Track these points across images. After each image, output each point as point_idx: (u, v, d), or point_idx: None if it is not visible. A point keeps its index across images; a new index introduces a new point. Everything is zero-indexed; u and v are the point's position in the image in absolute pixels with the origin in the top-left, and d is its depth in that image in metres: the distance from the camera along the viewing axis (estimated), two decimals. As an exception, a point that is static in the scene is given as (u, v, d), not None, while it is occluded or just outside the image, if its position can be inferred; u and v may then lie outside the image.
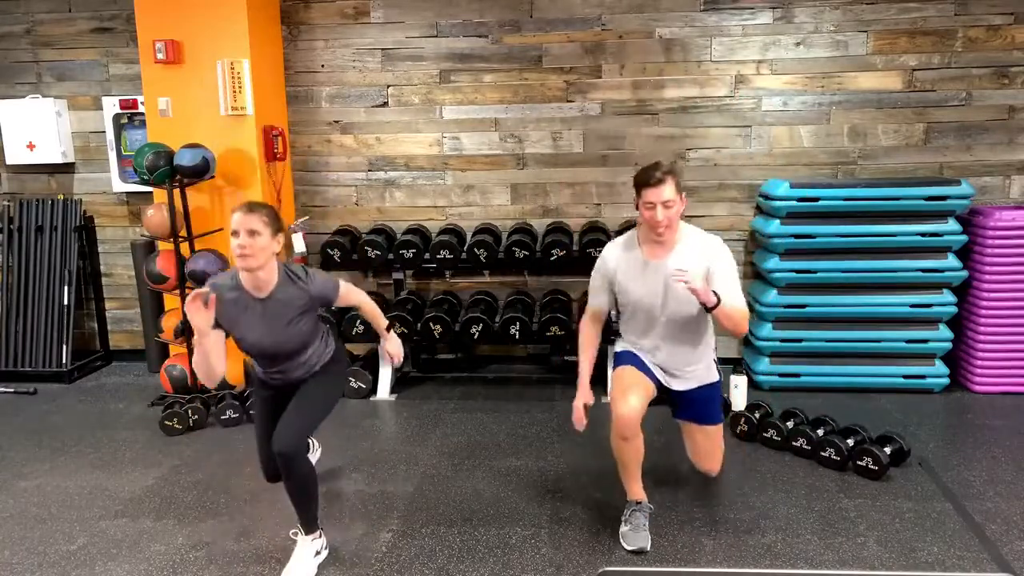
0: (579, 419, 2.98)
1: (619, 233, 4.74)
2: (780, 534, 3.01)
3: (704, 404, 3.09)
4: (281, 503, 3.33)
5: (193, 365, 2.93)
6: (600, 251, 4.44)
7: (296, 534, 2.88)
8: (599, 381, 4.77)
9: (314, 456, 3.44)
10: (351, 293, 2.97)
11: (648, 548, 2.91)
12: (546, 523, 3.15)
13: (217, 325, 2.68)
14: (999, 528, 3.02)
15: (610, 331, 3.83)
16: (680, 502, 3.27)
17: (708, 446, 3.14)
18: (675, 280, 2.70)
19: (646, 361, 3.04)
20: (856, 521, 3.10)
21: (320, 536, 2.89)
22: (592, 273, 3.09)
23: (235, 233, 2.61)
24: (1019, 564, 2.78)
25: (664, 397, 3.09)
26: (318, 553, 2.86)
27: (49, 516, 3.30)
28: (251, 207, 2.67)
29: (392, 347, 3.13)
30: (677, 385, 3.06)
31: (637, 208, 2.87)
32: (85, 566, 2.91)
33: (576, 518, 3.17)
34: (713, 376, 3.09)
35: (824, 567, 2.79)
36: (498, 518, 3.20)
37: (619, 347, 3.16)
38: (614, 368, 3.10)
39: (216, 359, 2.66)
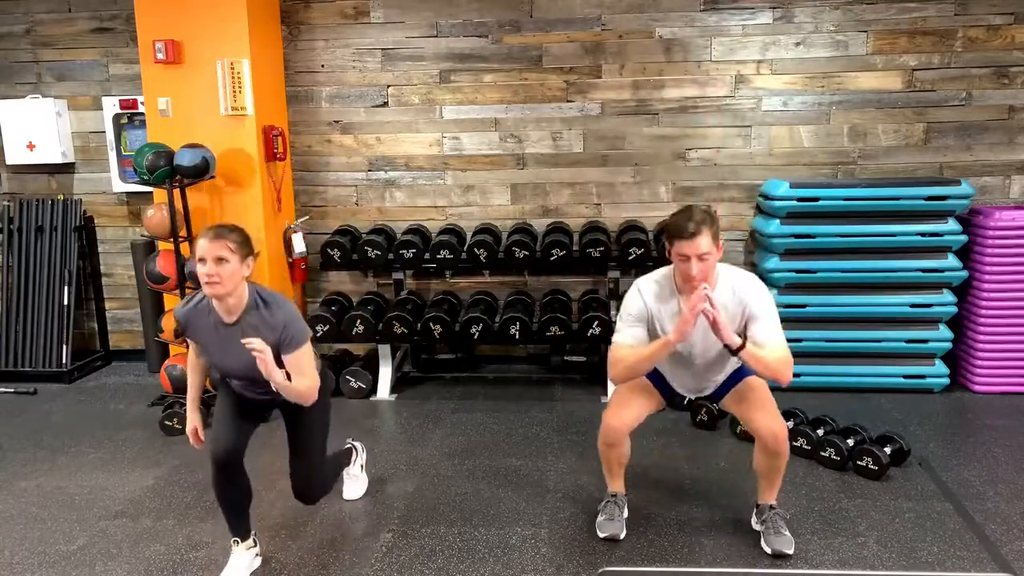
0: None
1: (620, 233, 4.78)
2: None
3: (735, 374, 2.95)
4: (281, 503, 3.34)
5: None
6: (599, 251, 4.50)
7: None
8: (598, 382, 4.79)
9: (359, 461, 3.44)
10: (304, 357, 2.66)
11: (621, 536, 2.97)
12: (546, 523, 3.15)
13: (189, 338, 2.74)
14: (999, 528, 3.02)
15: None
16: (680, 502, 3.27)
17: (756, 400, 2.85)
18: (701, 307, 2.55)
19: (665, 375, 2.97)
20: (856, 521, 3.09)
21: (356, 460, 3.38)
22: (622, 310, 2.85)
23: (201, 260, 2.49)
24: (1019, 564, 2.78)
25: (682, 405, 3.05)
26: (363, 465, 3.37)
27: (49, 516, 3.30)
28: (218, 232, 2.54)
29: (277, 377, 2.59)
30: (704, 394, 3.01)
31: (668, 255, 2.72)
32: (85, 566, 2.91)
33: (576, 518, 3.17)
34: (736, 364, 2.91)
35: (824, 567, 2.78)
36: (498, 518, 3.20)
37: None
38: None
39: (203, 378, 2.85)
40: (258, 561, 2.89)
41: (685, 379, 2.97)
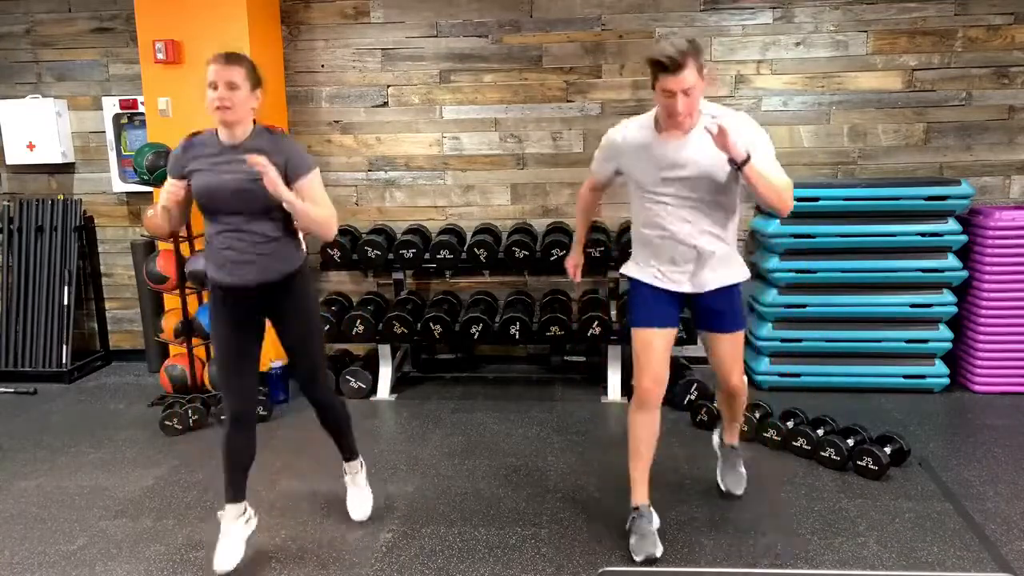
0: (573, 272, 3.17)
1: (620, 234, 4.78)
2: (780, 534, 3.00)
3: (729, 312, 2.86)
4: (280, 504, 3.34)
5: (150, 217, 2.70)
6: (600, 251, 4.50)
7: (352, 474, 3.15)
8: (598, 382, 4.79)
9: (362, 471, 3.26)
10: (316, 183, 2.62)
11: (659, 554, 2.80)
12: (546, 523, 3.15)
13: (182, 175, 2.63)
14: (999, 528, 3.02)
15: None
16: (680, 502, 3.27)
17: (733, 353, 2.93)
18: (706, 127, 2.44)
19: (661, 285, 2.81)
20: (856, 521, 3.09)
21: (359, 458, 3.19)
22: (603, 138, 2.90)
23: (212, 85, 2.48)
24: (1019, 564, 2.78)
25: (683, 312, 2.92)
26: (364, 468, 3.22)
27: (49, 516, 3.30)
28: (229, 58, 2.52)
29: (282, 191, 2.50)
30: (701, 284, 2.78)
31: (653, 88, 2.55)
32: (85, 566, 2.91)
33: (576, 518, 3.17)
34: (738, 274, 2.84)
35: (824, 567, 2.78)
36: (498, 518, 3.20)
37: (631, 272, 2.90)
38: (629, 313, 2.93)
39: (178, 213, 2.68)
40: (253, 524, 2.93)
41: (674, 245, 2.74)
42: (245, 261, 2.64)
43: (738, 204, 2.80)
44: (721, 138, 2.44)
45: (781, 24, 4.72)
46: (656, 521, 2.90)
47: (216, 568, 2.79)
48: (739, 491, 3.25)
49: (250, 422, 2.80)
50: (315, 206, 2.60)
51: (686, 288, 2.82)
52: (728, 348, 2.93)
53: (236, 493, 2.85)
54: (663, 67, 2.45)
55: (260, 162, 2.43)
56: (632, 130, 2.77)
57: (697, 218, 2.72)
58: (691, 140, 2.63)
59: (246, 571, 2.85)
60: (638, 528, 2.86)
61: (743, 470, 3.28)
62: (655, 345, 2.82)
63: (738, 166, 2.52)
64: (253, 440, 2.82)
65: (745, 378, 3.10)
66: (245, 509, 2.89)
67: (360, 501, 3.20)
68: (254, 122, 2.66)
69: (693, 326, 2.99)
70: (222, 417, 4.19)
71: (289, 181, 2.56)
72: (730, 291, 2.85)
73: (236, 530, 2.84)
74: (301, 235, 2.79)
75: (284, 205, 2.50)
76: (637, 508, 2.90)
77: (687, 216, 2.72)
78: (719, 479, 3.30)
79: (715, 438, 3.38)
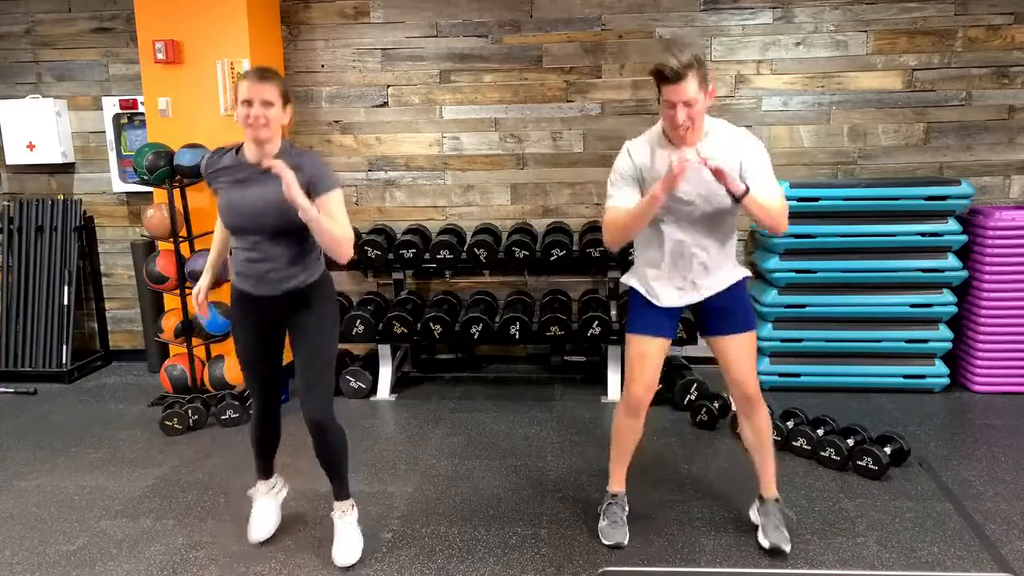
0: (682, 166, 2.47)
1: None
2: (780, 534, 3.00)
3: (735, 311, 2.81)
4: (281, 504, 3.33)
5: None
6: (599, 251, 4.50)
7: (342, 514, 2.93)
8: (598, 382, 4.79)
9: (353, 511, 3.01)
10: (337, 202, 2.60)
11: (625, 543, 2.92)
12: (546, 523, 3.15)
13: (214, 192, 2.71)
14: (999, 528, 3.02)
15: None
16: (680, 502, 3.28)
17: (746, 357, 2.80)
18: (700, 163, 2.41)
19: (661, 296, 2.79)
20: (856, 521, 3.10)
21: (351, 499, 2.97)
22: (612, 173, 2.74)
23: (247, 103, 2.49)
24: (1019, 564, 2.78)
25: (687, 323, 2.87)
26: (356, 518, 2.97)
27: (49, 516, 3.30)
28: (263, 75, 2.53)
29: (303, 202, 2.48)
30: (704, 292, 2.78)
31: (658, 101, 2.56)
32: (85, 566, 2.91)
33: (576, 518, 3.17)
34: (739, 273, 2.83)
35: (824, 567, 2.78)
36: (498, 518, 3.20)
37: (632, 283, 2.88)
38: (627, 318, 2.90)
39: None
40: (284, 492, 3.16)
41: (677, 260, 2.74)
42: (270, 276, 2.69)
43: (737, 213, 2.79)
44: (718, 176, 2.47)
45: (781, 24, 4.72)
46: (626, 511, 3.04)
47: (251, 537, 3.02)
48: (787, 547, 2.84)
49: (275, 413, 2.97)
50: (333, 223, 2.58)
51: (687, 301, 2.81)
52: (739, 351, 2.80)
53: (266, 472, 3.07)
54: (664, 77, 2.45)
55: (278, 165, 2.43)
56: (637, 148, 2.73)
57: (698, 229, 2.73)
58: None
59: (246, 571, 2.85)
60: (611, 514, 2.98)
61: (786, 532, 2.88)
62: (650, 353, 2.84)
63: (737, 199, 2.56)
64: (278, 428, 3.01)
65: (759, 388, 2.87)
66: (275, 483, 3.10)
67: (347, 546, 2.87)
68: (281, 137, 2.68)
69: (700, 335, 2.87)
70: (222, 417, 4.22)
71: (311, 196, 2.55)
72: (735, 289, 2.82)
73: (268, 501, 3.07)
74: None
75: (300, 214, 2.48)
76: (615, 495, 3.02)
77: (689, 227, 2.72)
78: (760, 537, 2.89)
79: (752, 512, 3.05)
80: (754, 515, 3.04)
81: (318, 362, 2.76)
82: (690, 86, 2.44)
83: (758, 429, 2.90)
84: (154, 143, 4.44)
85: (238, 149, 2.67)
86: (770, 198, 2.60)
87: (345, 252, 2.61)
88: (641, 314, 2.85)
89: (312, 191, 2.55)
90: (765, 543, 2.85)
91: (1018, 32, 4.61)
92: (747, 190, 2.52)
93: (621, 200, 2.69)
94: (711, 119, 2.66)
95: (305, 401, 2.75)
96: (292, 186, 2.44)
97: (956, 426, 4.08)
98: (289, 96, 2.63)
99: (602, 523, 2.99)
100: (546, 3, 4.83)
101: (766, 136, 4.82)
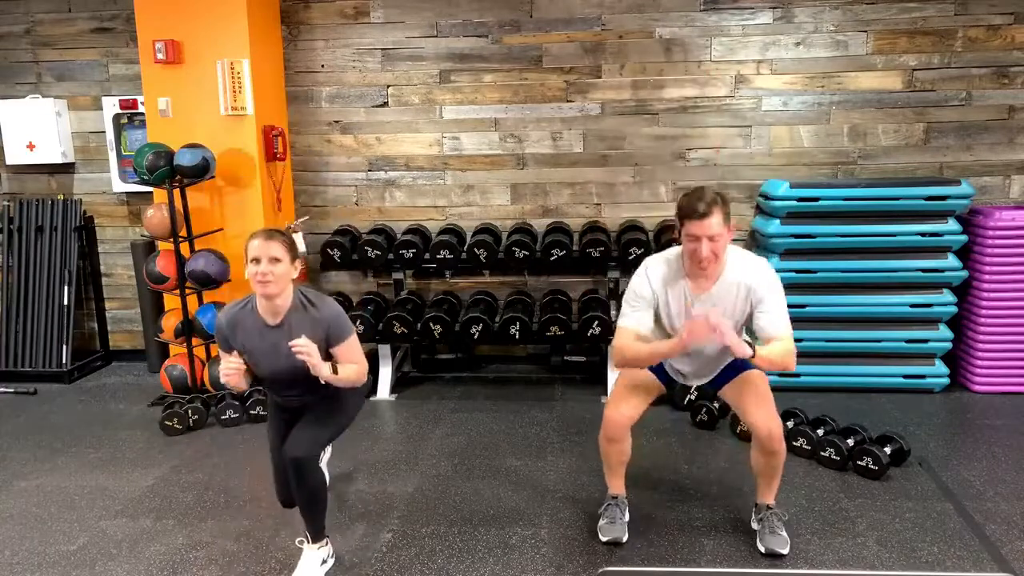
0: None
1: (620, 234, 4.78)
2: (780, 534, 3.00)
3: (733, 364, 2.88)
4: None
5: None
6: (599, 251, 4.50)
7: (302, 542, 2.84)
8: (599, 382, 4.79)
9: (323, 459, 3.37)
10: (354, 348, 2.76)
11: (624, 540, 2.95)
12: (546, 523, 3.15)
13: (232, 348, 2.74)
14: (999, 528, 3.02)
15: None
16: (680, 502, 3.28)
17: (762, 391, 2.82)
18: (712, 325, 2.50)
19: (668, 360, 2.92)
20: (856, 521, 3.09)
21: (327, 544, 2.85)
22: (629, 291, 2.84)
23: (256, 260, 2.58)
24: (1019, 564, 2.78)
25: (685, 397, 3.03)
26: (324, 562, 2.83)
27: (49, 516, 3.30)
28: (270, 234, 2.65)
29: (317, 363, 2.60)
30: (705, 380, 2.97)
31: (678, 236, 2.71)
32: (85, 566, 2.91)
33: (576, 518, 3.17)
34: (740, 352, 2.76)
35: (824, 567, 2.79)
36: (498, 518, 3.20)
37: None
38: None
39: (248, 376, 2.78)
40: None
41: (688, 366, 2.94)
42: (303, 400, 2.84)
43: None
44: (728, 347, 2.56)
45: (781, 24, 4.72)
46: (627, 515, 3.05)
47: None
48: (784, 550, 2.85)
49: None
50: (350, 366, 2.73)
51: (681, 381, 3.02)
52: (751, 391, 2.83)
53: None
54: (690, 213, 2.60)
55: (305, 351, 2.53)
56: (656, 272, 2.82)
57: (705, 352, 2.86)
58: (713, 298, 2.74)
59: (246, 571, 2.85)
60: (610, 513, 3.01)
61: (784, 534, 2.90)
62: (645, 387, 2.93)
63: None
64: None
65: (781, 430, 2.80)
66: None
67: None
68: (293, 287, 2.74)
69: (711, 399, 3.06)
70: (222, 417, 4.22)
71: (330, 345, 2.71)
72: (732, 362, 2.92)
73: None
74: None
75: (320, 379, 2.64)
76: (615, 497, 3.06)
77: (697, 353, 2.85)
78: (758, 542, 2.90)
79: (752, 518, 3.05)
80: (754, 523, 3.05)
81: (322, 416, 2.83)
82: (715, 222, 2.59)
83: (772, 468, 2.88)
84: (154, 143, 4.43)
85: (253, 306, 2.72)
86: (780, 340, 2.70)
87: (362, 382, 2.83)
88: None
89: (331, 342, 2.71)
90: (761, 548, 2.88)
91: (1018, 32, 4.61)
92: (754, 353, 2.60)
93: (634, 322, 2.79)
94: (732, 249, 2.78)
95: (291, 439, 2.75)
96: (319, 367, 2.58)
97: (956, 426, 4.08)
98: (296, 250, 2.71)
99: (601, 521, 3.02)
100: (546, 3, 4.82)
101: (766, 136, 4.83)
